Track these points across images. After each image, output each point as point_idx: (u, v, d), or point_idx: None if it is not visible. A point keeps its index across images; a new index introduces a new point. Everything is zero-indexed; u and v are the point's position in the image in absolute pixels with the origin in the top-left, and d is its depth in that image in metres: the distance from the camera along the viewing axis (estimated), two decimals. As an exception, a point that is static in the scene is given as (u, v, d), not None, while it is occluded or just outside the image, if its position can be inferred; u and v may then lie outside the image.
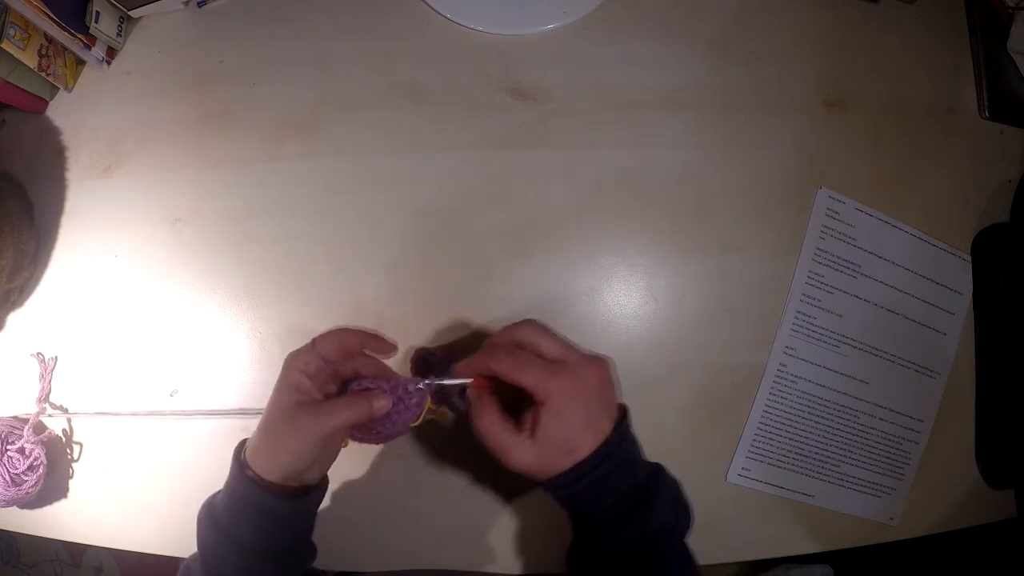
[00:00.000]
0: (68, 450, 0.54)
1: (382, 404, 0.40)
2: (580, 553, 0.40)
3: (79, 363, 0.55)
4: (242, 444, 0.42)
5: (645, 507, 0.38)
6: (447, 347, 0.52)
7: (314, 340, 0.41)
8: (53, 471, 0.53)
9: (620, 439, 0.40)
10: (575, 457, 0.38)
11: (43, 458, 0.51)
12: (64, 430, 0.54)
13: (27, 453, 0.51)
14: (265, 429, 0.40)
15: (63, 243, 0.56)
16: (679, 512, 0.41)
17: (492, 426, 0.40)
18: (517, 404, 0.41)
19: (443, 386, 0.43)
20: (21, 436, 0.51)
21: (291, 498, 0.40)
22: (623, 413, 0.41)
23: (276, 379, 0.41)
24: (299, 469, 0.39)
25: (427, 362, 0.49)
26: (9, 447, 0.51)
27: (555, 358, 0.40)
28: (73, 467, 0.54)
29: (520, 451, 0.39)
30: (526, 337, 0.41)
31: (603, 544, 0.38)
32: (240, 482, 0.39)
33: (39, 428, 0.53)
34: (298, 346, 0.41)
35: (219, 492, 0.42)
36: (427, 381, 0.42)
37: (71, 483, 0.54)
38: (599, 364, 0.41)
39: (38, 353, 0.55)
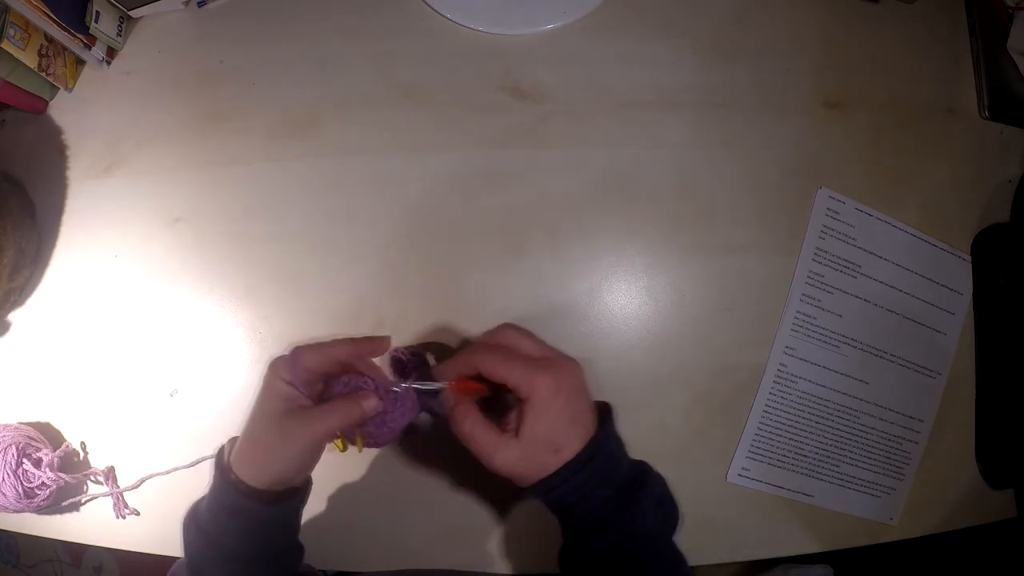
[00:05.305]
0: (82, 461, 0.54)
1: (372, 405, 0.39)
2: (569, 554, 0.40)
3: (79, 363, 0.55)
4: (223, 449, 0.41)
5: (629, 509, 0.38)
6: (424, 346, 0.52)
7: (296, 351, 0.40)
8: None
9: (606, 438, 0.39)
10: (561, 457, 0.37)
11: (60, 481, 0.51)
12: (81, 444, 0.54)
13: (46, 482, 0.50)
14: (251, 439, 0.39)
15: (63, 243, 0.56)
16: (665, 511, 0.41)
17: (474, 427, 0.39)
18: (491, 408, 0.41)
19: (419, 390, 0.41)
20: (41, 460, 0.50)
21: (277, 502, 0.39)
22: (606, 411, 0.41)
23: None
24: (288, 476, 0.39)
25: (400, 363, 0.47)
26: (25, 459, 0.50)
27: (537, 357, 0.40)
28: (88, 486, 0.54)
29: (505, 451, 0.38)
30: (505, 340, 0.41)
31: (590, 546, 0.38)
32: (224, 489, 0.39)
33: (64, 461, 0.52)
34: (299, 344, 0.41)
35: (203, 498, 0.41)
36: (404, 384, 0.41)
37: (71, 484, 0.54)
38: (577, 363, 0.41)
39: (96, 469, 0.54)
